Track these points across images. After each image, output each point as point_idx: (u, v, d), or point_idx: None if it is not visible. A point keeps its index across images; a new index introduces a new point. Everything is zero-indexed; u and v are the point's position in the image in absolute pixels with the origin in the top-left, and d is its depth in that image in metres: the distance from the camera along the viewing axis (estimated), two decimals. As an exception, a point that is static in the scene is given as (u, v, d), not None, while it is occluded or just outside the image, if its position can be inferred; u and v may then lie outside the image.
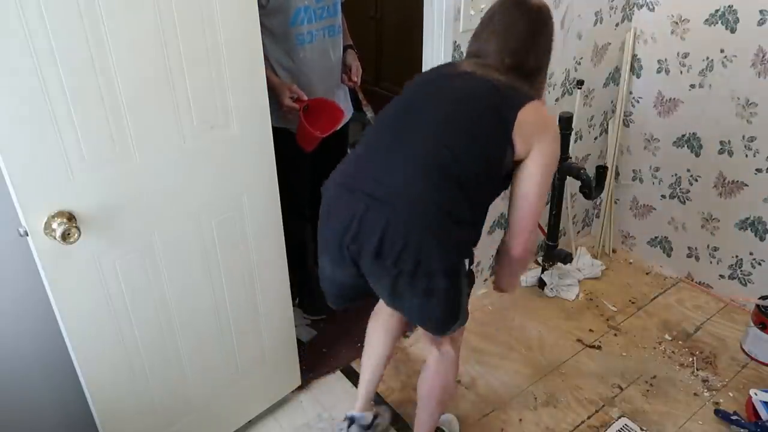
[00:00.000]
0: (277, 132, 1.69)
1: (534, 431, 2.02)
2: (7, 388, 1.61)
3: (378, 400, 2.12)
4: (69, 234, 1.28)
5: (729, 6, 2.21)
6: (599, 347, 2.36)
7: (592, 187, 2.35)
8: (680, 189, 2.62)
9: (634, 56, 2.60)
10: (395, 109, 1.46)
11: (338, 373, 2.24)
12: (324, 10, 1.99)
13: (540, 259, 2.73)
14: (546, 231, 2.59)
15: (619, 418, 2.05)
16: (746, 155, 2.34)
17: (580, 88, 2.50)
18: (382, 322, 1.80)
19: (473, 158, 1.33)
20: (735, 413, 2.02)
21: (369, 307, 2.56)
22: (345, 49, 2.17)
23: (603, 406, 2.11)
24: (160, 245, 1.52)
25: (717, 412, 2.04)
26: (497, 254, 1.54)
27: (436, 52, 1.99)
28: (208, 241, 1.62)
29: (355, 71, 2.17)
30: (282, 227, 1.81)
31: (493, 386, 2.18)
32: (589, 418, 2.06)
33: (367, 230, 1.31)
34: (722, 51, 2.29)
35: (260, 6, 1.55)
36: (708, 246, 2.60)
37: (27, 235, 1.28)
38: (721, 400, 2.12)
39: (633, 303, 2.61)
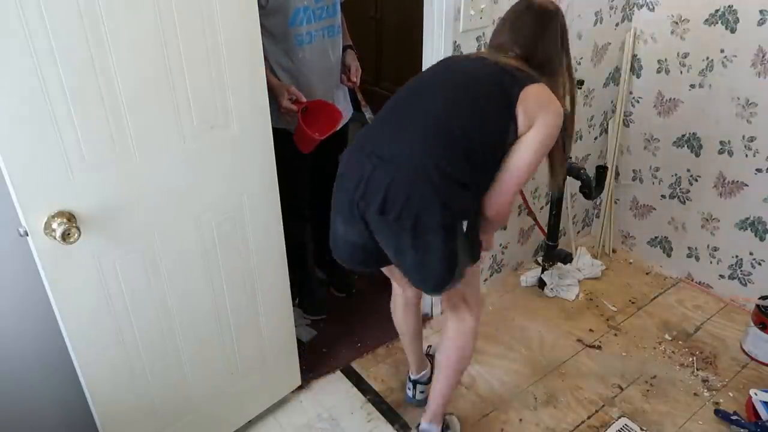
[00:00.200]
0: (277, 133, 1.69)
1: (534, 431, 2.02)
2: (7, 388, 1.61)
3: (378, 399, 2.13)
4: (69, 234, 1.28)
5: (729, 6, 2.21)
6: (599, 347, 2.36)
7: (592, 187, 2.35)
8: (680, 189, 2.62)
9: (634, 56, 2.60)
10: (408, 87, 1.56)
11: (338, 373, 2.24)
12: (323, 10, 1.99)
13: (540, 259, 2.73)
14: (546, 231, 2.59)
15: (619, 418, 2.05)
16: (746, 155, 2.34)
17: (580, 88, 2.50)
18: (399, 307, 1.93)
19: (479, 131, 1.41)
20: (735, 413, 2.02)
21: (369, 307, 2.56)
22: (344, 49, 2.17)
23: (603, 406, 2.11)
24: (160, 245, 1.52)
25: (717, 412, 2.04)
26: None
27: (436, 52, 1.99)
28: (208, 241, 1.62)
29: (354, 71, 2.17)
30: (282, 227, 1.81)
31: (493, 386, 2.19)
32: (589, 418, 2.06)
33: (373, 189, 1.40)
34: (722, 51, 2.29)
35: (260, 6, 1.55)
36: (708, 246, 2.60)
37: (27, 235, 1.28)
38: (721, 400, 2.12)
39: (633, 303, 2.61)
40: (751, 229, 2.42)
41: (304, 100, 1.97)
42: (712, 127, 2.42)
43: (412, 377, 2.08)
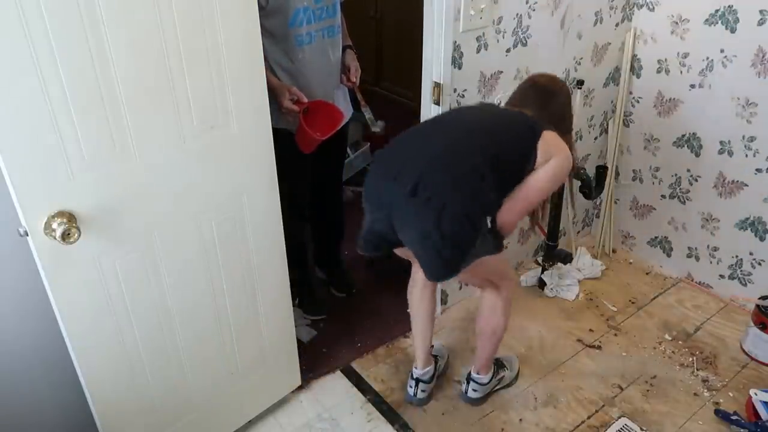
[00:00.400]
0: (277, 132, 1.69)
1: (534, 431, 2.02)
2: (7, 388, 1.61)
3: (378, 399, 2.13)
4: (69, 234, 1.28)
5: (729, 6, 2.21)
6: (599, 347, 2.36)
7: (592, 187, 2.35)
8: (680, 189, 2.62)
9: (634, 56, 2.60)
10: (430, 119, 1.82)
11: (338, 373, 2.24)
12: (323, 10, 1.99)
13: (540, 259, 2.73)
14: (546, 231, 2.59)
15: (619, 418, 2.05)
16: (746, 155, 2.34)
17: (580, 88, 2.50)
18: (416, 291, 2.03)
19: (508, 146, 1.61)
20: (735, 413, 2.02)
21: (369, 307, 2.56)
22: (344, 49, 2.17)
23: (603, 406, 2.11)
24: (160, 245, 1.52)
25: (717, 412, 2.04)
26: None
27: (436, 52, 1.99)
28: (208, 241, 1.62)
29: (354, 71, 2.17)
30: (282, 227, 1.81)
31: (493, 386, 2.19)
32: (589, 418, 2.06)
33: (406, 175, 1.55)
34: (722, 51, 2.29)
35: (260, 7, 1.55)
36: (708, 246, 2.60)
37: (27, 235, 1.28)
38: (721, 400, 2.12)
39: (633, 303, 2.61)
40: (751, 229, 2.42)
41: (306, 100, 1.97)
42: (712, 127, 2.42)
43: (416, 373, 2.08)
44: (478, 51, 2.08)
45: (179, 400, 1.75)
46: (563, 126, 1.76)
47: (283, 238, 1.83)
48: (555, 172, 1.61)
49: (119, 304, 1.49)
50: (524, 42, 2.20)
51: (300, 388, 2.15)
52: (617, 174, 2.83)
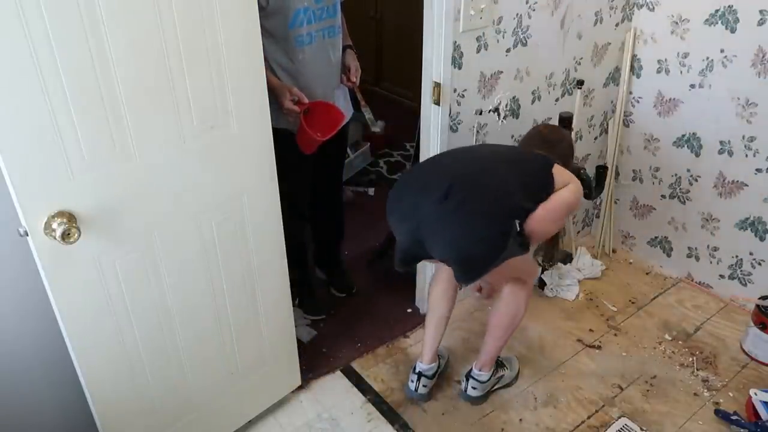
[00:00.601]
0: (277, 133, 1.69)
1: (534, 431, 2.02)
2: (7, 388, 1.61)
3: (378, 399, 2.12)
4: (69, 234, 1.28)
5: (729, 6, 2.21)
6: (599, 347, 2.36)
7: (592, 187, 2.35)
8: (680, 189, 2.62)
9: (634, 56, 2.60)
10: (446, 151, 1.95)
11: (338, 373, 2.25)
12: (323, 11, 1.98)
13: (540, 259, 2.73)
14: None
15: (619, 418, 2.05)
16: (746, 155, 2.34)
17: (580, 88, 2.50)
18: (440, 286, 2.06)
19: (531, 173, 1.73)
20: (735, 413, 2.02)
21: (369, 307, 2.56)
22: (344, 49, 2.17)
23: (603, 406, 2.11)
24: (160, 245, 1.52)
25: (717, 412, 2.04)
26: None
27: (436, 52, 1.99)
28: (208, 241, 1.62)
29: (354, 72, 2.17)
30: (282, 227, 1.81)
31: (493, 386, 2.19)
32: (589, 418, 2.06)
33: (435, 184, 1.64)
34: (722, 51, 2.29)
35: (260, 8, 1.55)
36: (708, 246, 2.60)
37: (27, 235, 1.28)
38: (721, 400, 2.12)
39: (633, 303, 2.61)
40: (751, 229, 2.42)
41: (306, 101, 1.97)
42: (712, 127, 2.42)
43: (420, 367, 2.09)
44: (478, 51, 2.08)
45: (179, 400, 1.75)
46: (568, 167, 1.88)
47: (283, 238, 1.83)
48: (576, 192, 1.76)
49: (119, 304, 1.49)
50: (524, 42, 2.20)
51: (300, 388, 2.15)
52: (617, 174, 2.83)
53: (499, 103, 2.24)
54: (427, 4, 1.95)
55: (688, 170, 2.56)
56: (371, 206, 3.32)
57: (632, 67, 2.62)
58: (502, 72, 2.20)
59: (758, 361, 2.28)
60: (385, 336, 2.41)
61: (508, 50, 2.17)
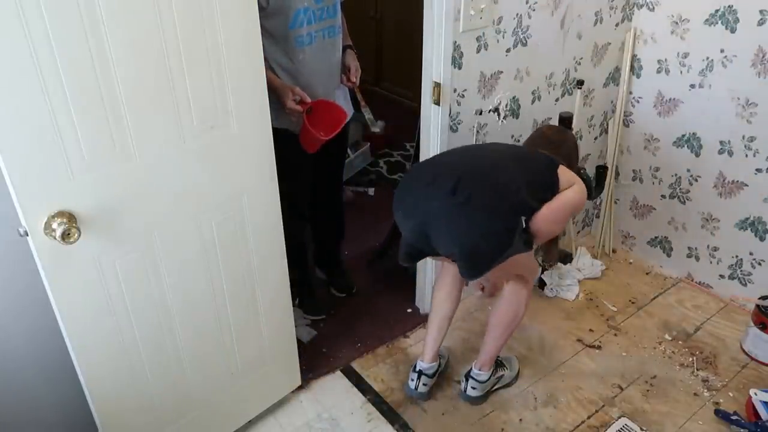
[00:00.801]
0: (277, 133, 1.69)
1: (534, 431, 2.02)
2: (7, 388, 1.61)
3: (378, 399, 2.12)
4: (69, 234, 1.28)
5: (729, 6, 2.21)
6: (599, 347, 2.36)
7: (592, 187, 2.34)
8: (680, 189, 2.62)
9: (634, 56, 2.60)
10: (454, 148, 1.88)
11: (338, 373, 2.25)
12: (324, 11, 1.98)
13: (540, 260, 2.73)
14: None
15: (619, 418, 2.05)
16: (746, 155, 2.34)
17: (580, 88, 2.50)
18: (444, 288, 2.06)
19: (537, 172, 1.73)
20: (735, 413, 2.02)
21: (369, 307, 2.57)
22: (344, 49, 2.17)
23: (603, 406, 2.11)
24: (160, 245, 1.52)
25: (717, 412, 2.04)
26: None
27: (436, 52, 1.99)
28: (208, 241, 1.62)
29: (354, 72, 2.16)
30: (282, 227, 1.81)
31: (493, 386, 2.19)
32: (589, 418, 2.06)
33: (444, 179, 1.63)
34: (722, 51, 2.29)
35: (260, 8, 1.55)
36: (708, 246, 2.60)
37: (27, 235, 1.28)
38: (721, 400, 2.12)
39: (633, 303, 2.61)
40: (751, 229, 2.42)
41: (309, 100, 1.97)
42: (712, 127, 2.42)
43: (421, 366, 2.09)
44: (478, 51, 2.08)
45: (179, 399, 1.75)
46: (572, 168, 1.89)
47: (283, 238, 1.83)
48: (581, 193, 1.76)
49: (119, 304, 1.49)
50: (524, 42, 2.20)
51: (300, 388, 2.15)
52: (617, 174, 2.83)
53: (499, 103, 2.24)
54: (427, 4, 1.95)
55: (688, 170, 2.56)
56: (371, 206, 3.32)
57: (632, 67, 2.62)
58: (502, 72, 2.20)
59: (758, 361, 2.28)
60: (385, 336, 2.41)
61: (508, 50, 2.17)
